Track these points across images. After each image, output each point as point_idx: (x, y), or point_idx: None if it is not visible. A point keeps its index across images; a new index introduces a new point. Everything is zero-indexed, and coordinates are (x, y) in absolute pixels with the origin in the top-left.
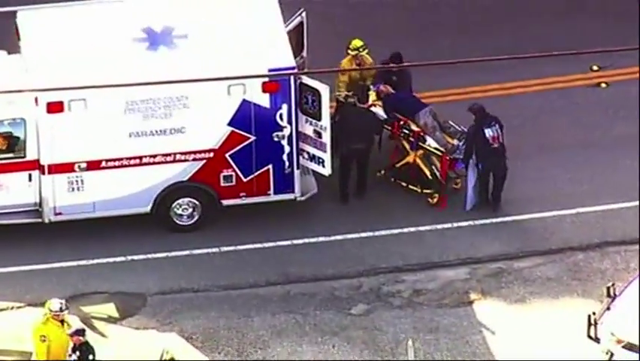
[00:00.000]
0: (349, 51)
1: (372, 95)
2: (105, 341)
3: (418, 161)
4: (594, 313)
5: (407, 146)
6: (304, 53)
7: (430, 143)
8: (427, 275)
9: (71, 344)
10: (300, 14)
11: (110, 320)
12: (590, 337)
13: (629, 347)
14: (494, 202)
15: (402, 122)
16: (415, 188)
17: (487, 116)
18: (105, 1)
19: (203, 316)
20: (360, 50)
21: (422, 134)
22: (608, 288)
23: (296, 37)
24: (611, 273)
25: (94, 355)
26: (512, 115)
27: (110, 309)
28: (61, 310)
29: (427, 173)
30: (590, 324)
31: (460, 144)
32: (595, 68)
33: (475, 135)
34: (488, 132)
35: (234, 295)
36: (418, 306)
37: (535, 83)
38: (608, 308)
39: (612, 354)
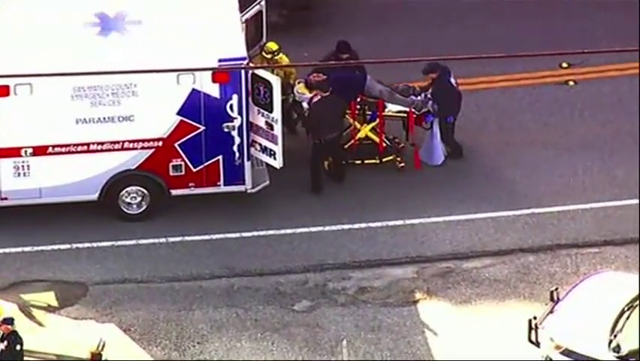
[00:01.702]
0: (264, 54)
1: (301, 87)
2: (42, 330)
3: (369, 134)
4: (535, 318)
5: (356, 123)
6: (262, 42)
7: (391, 109)
8: (374, 273)
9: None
10: (259, 2)
11: (49, 308)
12: (530, 341)
13: (567, 353)
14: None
15: (358, 100)
16: (373, 161)
17: (444, 67)
18: None
19: (143, 307)
20: (275, 53)
21: (384, 102)
22: (552, 292)
23: (255, 26)
24: (560, 276)
25: (22, 345)
26: (475, 111)
27: (49, 297)
28: None
29: (382, 143)
30: (530, 328)
31: (425, 96)
32: (564, 65)
33: (446, 88)
34: (453, 81)
35: (177, 287)
36: (362, 304)
37: (502, 79)
38: (551, 312)
39: (551, 360)
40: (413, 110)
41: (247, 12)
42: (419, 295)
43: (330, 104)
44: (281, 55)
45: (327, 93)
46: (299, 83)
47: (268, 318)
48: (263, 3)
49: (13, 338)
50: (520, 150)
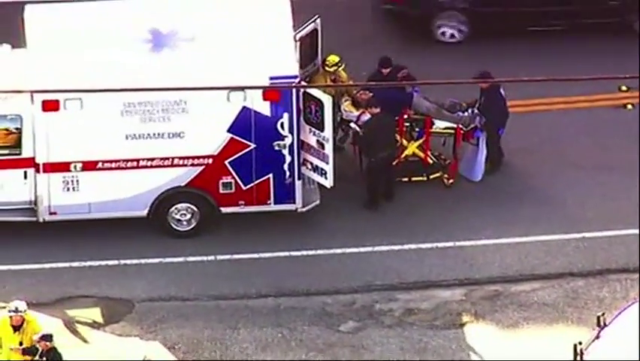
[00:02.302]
0: (326, 67)
1: (348, 105)
2: (86, 346)
3: (416, 151)
4: (580, 343)
5: (403, 141)
6: (318, 60)
7: (438, 125)
8: (421, 295)
9: (40, 349)
10: (314, 20)
11: (93, 325)
12: None
13: None
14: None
15: (405, 117)
16: (420, 178)
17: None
18: None
19: (189, 325)
20: (338, 65)
21: (431, 119)
22: (598, 317)
23: (310, 44)
24: (609, 301)
25: None
26: (532, 133)
27: (95, 314)
28: (16, 310)
29: (428, 159)
30: (576, 353)
31: (472, 112)
32: (624, 88)
33: (497, 98)
34: (503, 92)
35: (223, 305)
36: (408, 326)
37: (560, 102)
38: (597, 338)
39: None
40: (461, 126)
41: (302, 30)
42: (466, 318)
43: (383, 122)
44: (341, 69)
45: (378, 110)
46: (345, 101)
47: (313, 338)
48: (318, 21)
49: (52, 354)
50: (575, 172)
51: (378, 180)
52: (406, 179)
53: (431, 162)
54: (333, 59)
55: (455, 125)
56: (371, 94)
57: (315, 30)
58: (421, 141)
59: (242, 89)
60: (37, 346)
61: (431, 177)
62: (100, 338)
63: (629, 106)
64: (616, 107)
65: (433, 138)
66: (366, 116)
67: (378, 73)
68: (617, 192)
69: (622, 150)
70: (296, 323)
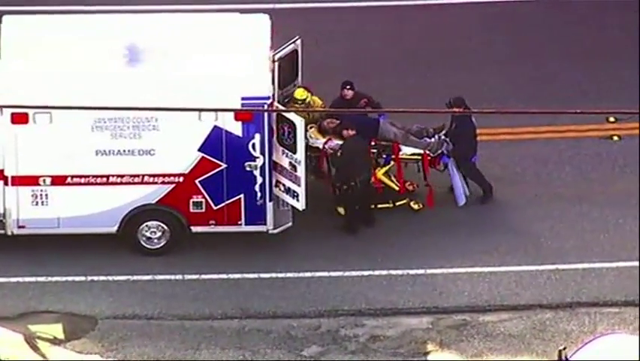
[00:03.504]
0: (294, 103)
1: (314, 132)
2: None
3: (382, 178)
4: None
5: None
6: (297, 81)
7: (405, 151)
8: (388, 321)
9: None
10: (294, 41)
11: (54, 341)
12: None
13: None
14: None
15: (372, 143)
16: (386, 205)
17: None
18: (101, 12)
19: (151, 345)
20: (303, 102)
21: (399, 145)
22: (560, 351)
23: (289, 65)
24: (576, 335)
25: None
26: (516, 161)
27: (57, 330)
28: None
29: (394, 185)
30: None
31: (439, 137)
32: (611, 119)
33: (468, 126)
34: (474, 121)
35: (188, 325)
36: (372, 352)
37: (547, 130)
38: None
39: None
40: (428, 152)
41: (281, 50)
42: (431, 346)
43: (359, 145)
44: (313, 97)
45: (354, 133)
46: (311, 128)
47: None
48: (298, 42)
49: None
50: (554, 202)
51: (356, 203)
52: (372, 206)
53: (397, 188)
54: (300, 94)
55: (422, 152)
56: (338, 122)
57: (295, 51)
58: (387, 168)
59: (210, 110)
60: None
61: (397, 203)
62: (59, 354)
63: (615, 137)
64: (602, 137)
65: (406, 165)
66: (333, 143)
67: (340, 98)
68: (597, 225)
69: (605, 181)
70: (259, 345)
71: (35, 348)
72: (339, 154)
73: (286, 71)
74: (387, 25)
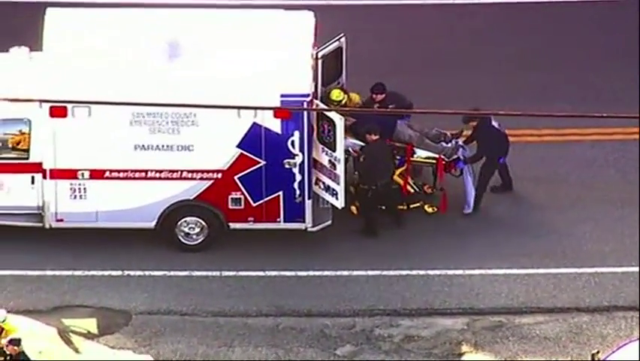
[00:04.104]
0: (331, 103)
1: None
2: (76, 356)
3: (397, 179)
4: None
5: None
6: (342, 78)
7: (420, 155)
8: (423, 321)
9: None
10: (338, 39)
11: (88, 335)
12: None
13: None
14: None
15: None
16: (400, 207)
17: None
18: (145, 6)
19: (184, 341)
20: (339, 103)
21: (413, 147)
22: (593, 355)
23: (333, 62)
24: (612, 339)
25: None
26: (560, 163)
27: (91, 324)
28: None
29: (409, 188)
30: None
31: (456, 143)
32: None
33: (489, 132)
34: (496, 125)
35: (222, 322)
36: (406, 353)
37: (593, 132)
38: None
39: None
40: (442, 156)
41: (325, 48)
42: (465, 347)
43: (381, 149)
44: (351, 95)
45: (377, 137)
46: None
47: None
48: (343, 40)
49: (22, 359)
50: (597, 205)
51: (376, 207)
52: (384, 207)
53: (412, 190)
54: (336, 95)
55: (437, 156)
56: (354, 120)
57: (340, 48)
58: (402, 169)
59: (244, 108)
60: (5, 350)
61: (411, 206)
62: (92, 349)
63: None
64: None
65: (423, 168)
66: (349, 142)
67: (370, 100)
68: (636, 228)
69: None
70: (292, 344)
71: (68, 342)
72: (362, 159)
73: (330, 69)
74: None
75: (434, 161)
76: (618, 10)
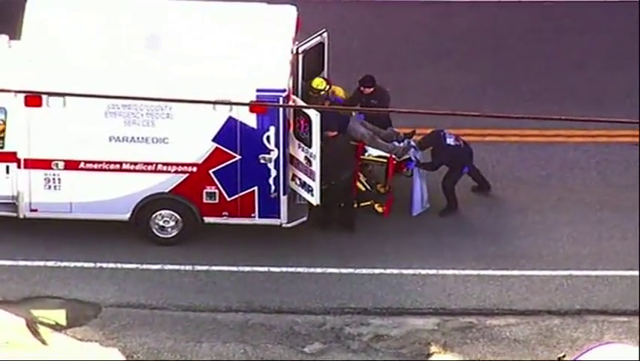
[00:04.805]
0: (311, 92)
1: None
2: (42, 348)
3: None
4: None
5: None
6: (323, 74)
7: (371, 153)
8: (394, 321)
9: None
10: (320, 34)
11: (56, 326)
12: None
13: None
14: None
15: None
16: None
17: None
18: None
19: (152, 335)
20: (322, 92)
21: (364, 146)
22: (560, 358)
23: (315, 58)
24: (582, 343)
25: None
26: (542, 165)
27: (59, 316)
28: None
29: (360, 186)
30: None
31: (408, 143)
32: None
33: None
34: (450, 140)
35: (191, 316)
36: (374, 352)
37: (578, 134)
38: None
39: None
40: (394, 156)
41: (306, 43)
42: (434, 348)
43: (340, 144)
44: (333, 88)
45: (334, 134)
46: None
47: (276, 358)
48: (325, 35)
49: None
50: (576, 208)
51: (337, 202)
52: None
53: (363, 189)
54: (318, 83)
55: (388, 155)
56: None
57: (322, 44)
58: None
59: (217, 103)
60: None
61: (362, 204)
62: (59, 340)
63: None
64: (634, 144)
65: (373, 167)
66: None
67: (358, 92)
68: (615, 232)
69: (630, 189)
70: (261, 340)
71: (36, 333)
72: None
73: (312, 64)
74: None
75: (385, 160)
76: (609, 9)
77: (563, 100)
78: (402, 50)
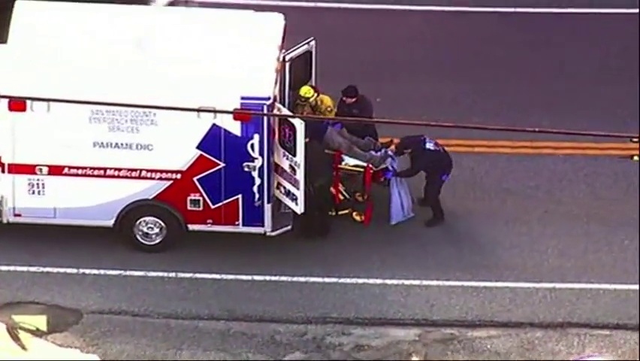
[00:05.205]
0: (299, 100)
1: None
2: (22, 353)
3: None
4: None
5: None
6: (310, 83)
7: (348, 162)
8: (375, 331)
9: None
10: (308, 42)
11: (36, 332)
12: None
13: None
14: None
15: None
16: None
17: (416, 140)
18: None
19: (132, 342)
20: (309, 100)
21: (341, 155)
22: None
23: (302, 66)
24: (563, 356)
25: None
26: (531, 176)
27: (40, 321)
28: None
29: (339, 195)
30: None
31: (384, 152)
32: (635, 140)
33: (424, 154)
34: (430, 146)
35: (173, 324)
36: None
37: (568, 146)
38: None
39: None
40: (371, 165)
41: (293, 51)
42: (415, 358)
43: (313, 151)
44: (322, 97)
45: (306, 140)
46: None
47: None
48: (312, 43)
49: None
50: (563, 220)
51: (310, 209)
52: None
53: (341, 197)
54: (305, 91)
55: (365, 165)
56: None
57: (309, 52)
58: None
59: (202, 111)
60: None
61: (340, 212)
62: (39, 346)
63: (636, 157)
64: (623, 157)
65: (350, 176)
66: None
67: (341, 102)
68: (601, 245)
69: (618, 202)
70: (242, 349)
71: (16, 338)
72: None
73: (299, 72)
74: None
75: (362, 169)
76: (601, 21)
77: (552, 111)
78: (393, 58)
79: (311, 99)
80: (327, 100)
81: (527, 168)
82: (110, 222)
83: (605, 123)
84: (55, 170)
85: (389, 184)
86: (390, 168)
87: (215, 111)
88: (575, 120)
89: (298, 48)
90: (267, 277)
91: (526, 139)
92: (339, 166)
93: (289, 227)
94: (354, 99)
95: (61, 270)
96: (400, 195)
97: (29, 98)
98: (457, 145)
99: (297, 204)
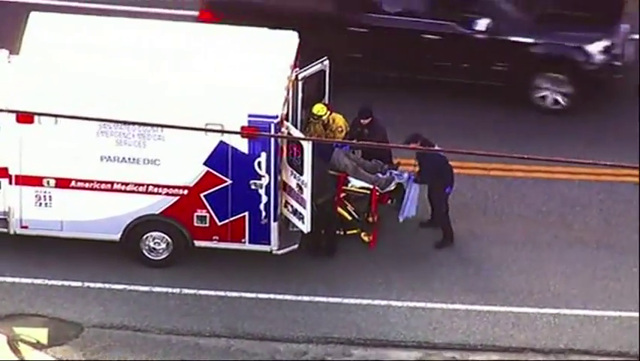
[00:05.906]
0: (312, 118)
1: None
2: None
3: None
4: None
5: None
6: (324, 101)
7: (354, 184)
8: (377, 353)
9: None
10: (322, 61)
11: (36, 345)
12: None
13: None
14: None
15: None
16: (338, 233)
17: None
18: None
19: (132, 357)
20: (321, 118)
21: (346, 176)
22: None
23: (316, 85)
24: None
25: None
26: (544, 200)
27: (41, 334)
28: None
29: (346, 215)
30: None
31: (390, 174)
32: None
33: (431, 157)
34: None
35: (174, 340)
36: None
37: (583, 172)
38: None
39: None
40: (377, 188)
41: (306, 70)
42: None
43: (315, 169)
44: (333, 115)
45: None
46: None
47: None
48: (326, 62)
49: None
50: (572, 246)
51: (319, 226)
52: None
53: (350, 218)
54: (319, 110)
55: (371, 187)
56: None
57: (323, 71)
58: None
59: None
60: None
61: (348, 232)
62: (38, 359)
63: None
64: (634, 183)
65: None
66: None
67: (357, 123)
68: (609, 272)
69: (630, 229)
70: None
71: (16, 351)
72: None
73: (312, 91)
74: None
75: (368, 191)
76: None
77: (568, 138)
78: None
79: (323, 117)
80: (339, 119)
81: (541, 192)
82: (117, 237)
83: (617, 149)
84: (63, 182)
85: (403, 192)
86: (405, 177)
87: (220, 131)
88: (589, 146)
89: (312, 67)
90: (271, 295)
91: (543, 163)
92: (345, 188)
93: (296, 246)
94: (368, 120)
95: (66, 283)
96: (412, 198)
97: (35, 114)
98: (473, 168)
99: (303, 222)
